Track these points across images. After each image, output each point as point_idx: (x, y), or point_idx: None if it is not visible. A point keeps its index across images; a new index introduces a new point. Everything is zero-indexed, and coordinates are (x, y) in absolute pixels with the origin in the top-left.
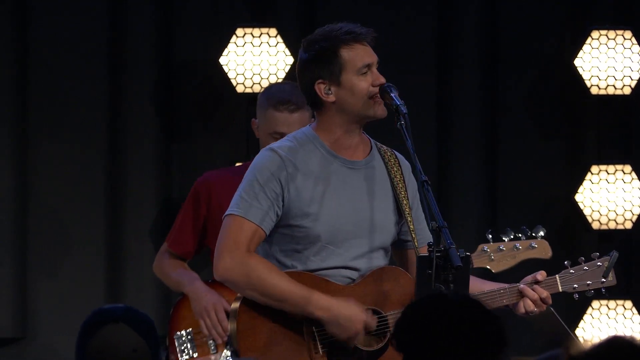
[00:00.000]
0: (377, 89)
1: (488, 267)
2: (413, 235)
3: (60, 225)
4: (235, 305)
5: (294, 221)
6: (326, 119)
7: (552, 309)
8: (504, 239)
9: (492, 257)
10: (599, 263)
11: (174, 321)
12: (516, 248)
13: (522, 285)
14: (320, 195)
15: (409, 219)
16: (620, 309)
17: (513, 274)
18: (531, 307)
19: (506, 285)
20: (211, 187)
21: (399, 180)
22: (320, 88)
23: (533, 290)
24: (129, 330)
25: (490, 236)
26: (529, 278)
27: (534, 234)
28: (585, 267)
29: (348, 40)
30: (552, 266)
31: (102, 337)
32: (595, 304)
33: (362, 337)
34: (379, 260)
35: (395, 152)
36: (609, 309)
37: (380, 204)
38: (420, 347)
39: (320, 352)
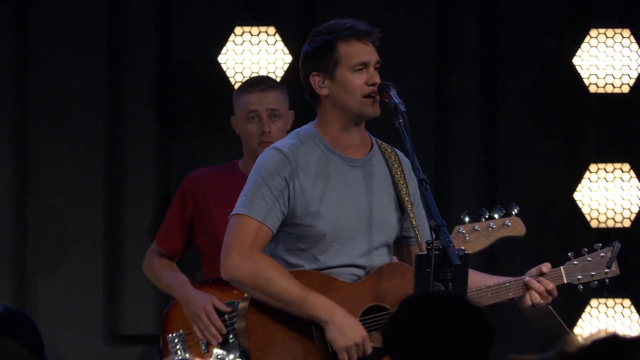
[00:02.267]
0: (371, 89)
1: (463, 248)
2: (416, 232)
3: (59, 224)
4: (244, 304)
5: (299, 220)
6: (323, 114)
7: (550, 307)
8: (480, 219)
9: (468, 237)
10: (602, 254)
11: (167, 323)
12: (490, 227)
13: (527, 278)
14: (321, 193)
15: (411, 215)
16: (618, 307)
17: (518, 268)
18: (537, 299)
19: (511, 279)
20: (198, 184)
21: (400, 177)
22: (315, 80)
23: (539, 282)
24: (11, 344)
25: (467, 218)
26: (533, 270)
27: (507, 213)
28: (589, 258)
29: (347, 36)
30: (552, 261)
31: None
32: (594, 302)
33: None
34: (382, 257)
35: (396, 150)
36: (607, 307)
37: (382, 201)
38: (409, 347)
39: (330, 348)
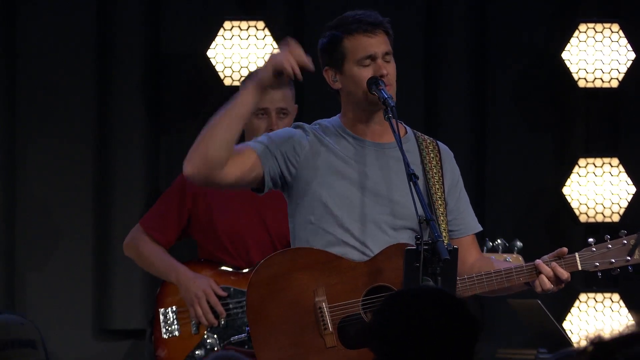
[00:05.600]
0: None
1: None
2: (444, 226)
3: (48, 218)
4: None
5: (309, 187)
6: (343, 106)
7: (539, 302)
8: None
9: None
10: (624, 241)
11: (160, 297)
12: None
13: (537, 261)
14: (333, 167)
15: (440, 210)
16: (607, 302)
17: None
18: (547, 284)
19: (523, 264)
20: None
21: (434, 167)
22: (328, 75)
23: (549, 267)
24: (24, 351)
25: None
26: (546, 257)
27: (510, 248)
28: (609, 245)
29: (352, 30)
30: (541, 255)
31: None
32: (583, 296)
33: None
34: (401, 240)
35: (439, 143)
36: (596, 301)
37: (405, 186)
38: (393, 344)
39: (330, 328)
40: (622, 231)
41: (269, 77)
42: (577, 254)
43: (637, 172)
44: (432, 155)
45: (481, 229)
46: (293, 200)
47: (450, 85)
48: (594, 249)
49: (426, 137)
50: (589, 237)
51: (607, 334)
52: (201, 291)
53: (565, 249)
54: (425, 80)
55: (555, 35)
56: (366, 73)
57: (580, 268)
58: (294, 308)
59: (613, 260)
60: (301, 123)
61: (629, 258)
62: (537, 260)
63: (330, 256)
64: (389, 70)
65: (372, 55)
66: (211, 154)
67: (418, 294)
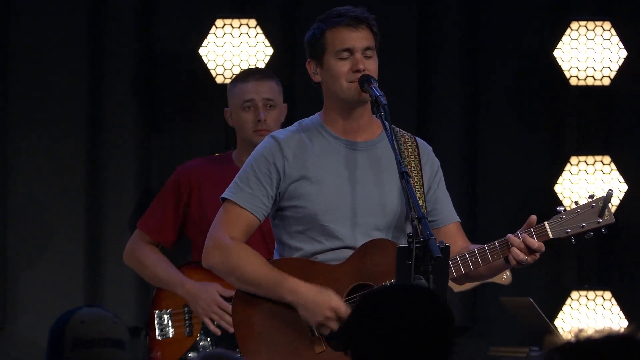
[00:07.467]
0: (356, 75)
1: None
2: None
3: (40, 216)
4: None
5: (293, 202)
6: (324, 100)
7: (531, 300)
8: None
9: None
10: (592, 204)
11: (156, 300)
12: None
13: (509, 235)
14: (319, 175)
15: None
16: (599, 300)
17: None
18: (520, 256)
19: (495, 242)
20: (192, 177)
21: (412, 161)
22: (310, 67)
23: (519, 238)
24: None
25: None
26: (519, 230)
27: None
28: (578, 210)
29: (335, 23)
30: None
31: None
32: (575, 294)
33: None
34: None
35: (417, 138)
36: (588, 299)
37: (387, 184)
38: (367, 342)
39: (317, 333)
40: (591, 194)
41: (313, 322)
42: (546, 223)
43: (628, 170)
44: (410, 150)
45: (459, 220)
46: (278, 211)
47: (442, 83)
48: (564, 216)
49: (404, 132)
50: (592, 194)
51: (576, 337)
52: (211, 300)
53: (534, 217)
54: (418, 79)
55: (547, 33)
56: (343, 66)
57: (551, 236)
58: (279, 318)
59: (584, 224)
60: (274, 135)
61: (600, 220)
62: (508, 234)
63: (306, 263)
64: (368, 66)
65: (350, 48)
66: (227, 279)
67: (389, 294)
